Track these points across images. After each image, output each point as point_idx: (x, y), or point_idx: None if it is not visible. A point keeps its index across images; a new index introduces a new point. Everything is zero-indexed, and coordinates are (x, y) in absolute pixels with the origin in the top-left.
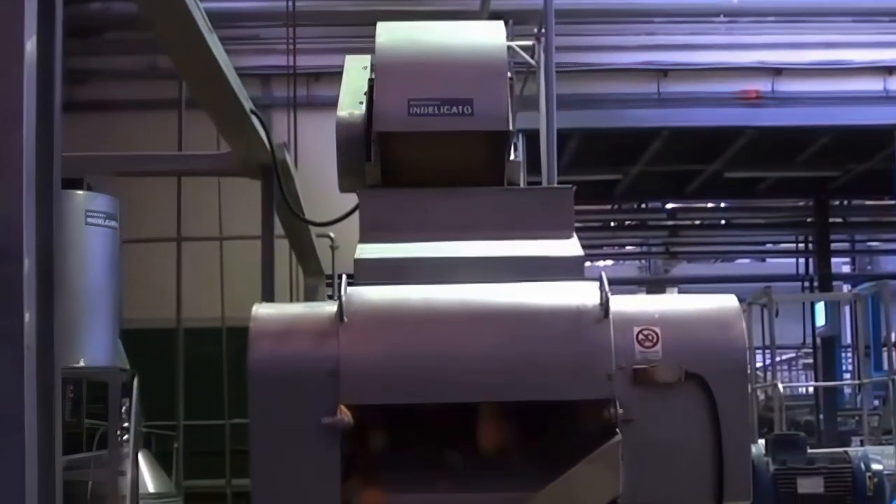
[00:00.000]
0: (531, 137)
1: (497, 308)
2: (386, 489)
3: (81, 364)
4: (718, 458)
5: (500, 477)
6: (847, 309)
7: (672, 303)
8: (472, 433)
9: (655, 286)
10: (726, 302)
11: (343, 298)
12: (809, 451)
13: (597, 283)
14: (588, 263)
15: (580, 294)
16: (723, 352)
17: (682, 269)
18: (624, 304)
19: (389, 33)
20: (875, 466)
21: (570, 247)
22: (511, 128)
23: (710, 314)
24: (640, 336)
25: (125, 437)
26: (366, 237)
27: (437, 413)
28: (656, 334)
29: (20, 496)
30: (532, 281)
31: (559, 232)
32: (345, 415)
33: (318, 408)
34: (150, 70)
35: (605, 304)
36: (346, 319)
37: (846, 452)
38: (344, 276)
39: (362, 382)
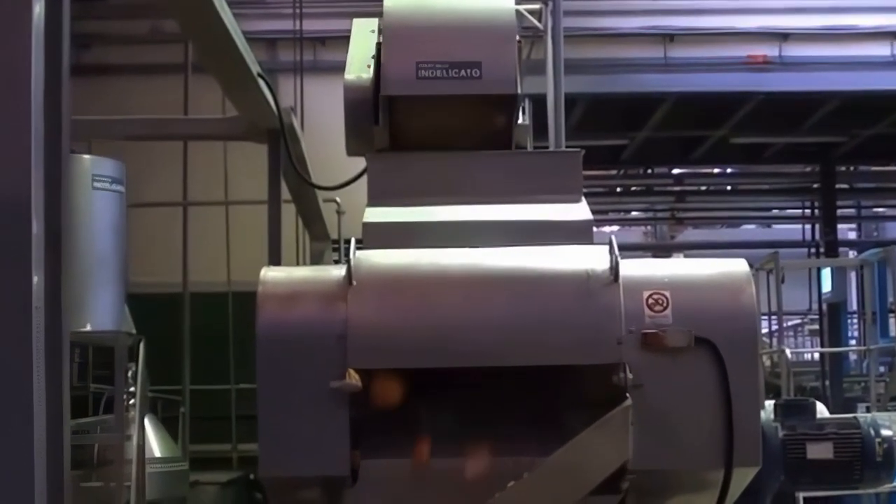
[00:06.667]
0: (537, 102)
1: (506, 272)
2: (392, 454)
3: (88, 328)
4: (728, 424)
5: (510, 442)
6: (853, 275)
7: (682, 267)
8: (482, 398)
9: (661, 252)
10: (736, 266)
11: (352, 262)
12: (818, 416)
13: (606, 248)
14: (594, 229)
15: (589, 258)
16: (733, 316)
17: (688, 234)
18: (633, 268)
19: None
20: (885, 432)
21: (578, 211)
22: (519, 91)
23: (720, 279)
24: (650, 300)
25: (131, 401)
26: (374, 201)
27: (446, 377)
28: (666, 299)
29: (29, 458)
30: (541, 245)
31: (568, 196)
32: (353, 379)
33: (327, 372)
34: (154, 34)
35: (614, 268)
36: (354, 283)
37: (856, 418)
38: (353, 240)
39: (370, 346)
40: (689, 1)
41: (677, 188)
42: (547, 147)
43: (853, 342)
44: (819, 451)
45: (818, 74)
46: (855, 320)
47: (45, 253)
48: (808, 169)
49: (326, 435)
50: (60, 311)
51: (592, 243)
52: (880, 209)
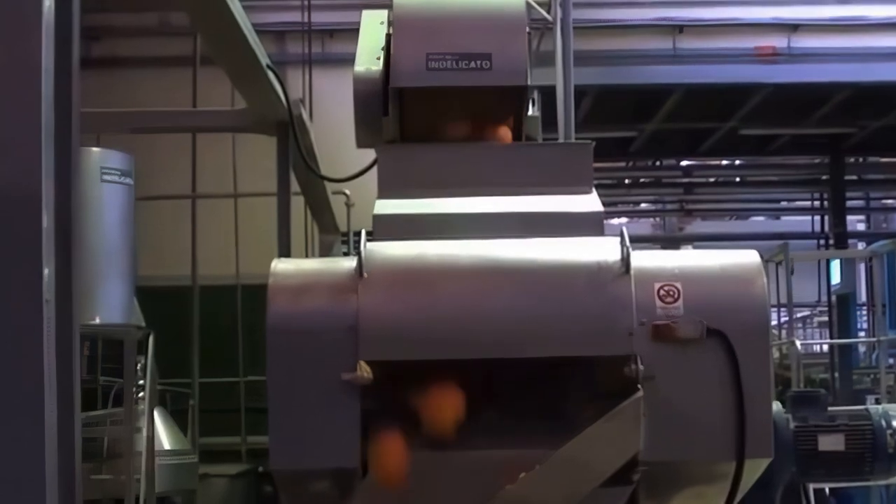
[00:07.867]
0: (546, 94)
1: (517, 264)
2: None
3: (97, 321)
4: (740, 415)
5: (519, 434)
6: (862, 267)
7: (693, 258)
8: (490, 390)
9: (670, 244)
10: (747, 257)
11: (362, 254)
12: (829, 408)
13: (617, 239)
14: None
15: (600, 249)
16: (745, 307)
17: (697, 226)
18: (645, 259)
19: None
20: None
21: (589, 202)
22: (529, 82)
23: (731, 270)
24: (662, 292)
25: (140, 394)
26: (384, 192)
27: (457, 369)
28: (678, 290)
29: (40, 451)
30: (551, 236)
31: (578, 187)
32: (364, 371)
33: (338, 363)
34: (164, 27)
35: (625, 260)
36: (365, 275)
37: (867, 410)
38: (363, 232)
39: (381, 338)
40: None
41: (686, 180)
42: (556, 139)
43: (862, 334)
44: (830, 442)
45: (827, 66)
46: (864, 312)
47: (55, 246)
48: (817, 160)
49: (337, 427)
50: (71, 303)
51: (603, 235)
52: (889, 200)
